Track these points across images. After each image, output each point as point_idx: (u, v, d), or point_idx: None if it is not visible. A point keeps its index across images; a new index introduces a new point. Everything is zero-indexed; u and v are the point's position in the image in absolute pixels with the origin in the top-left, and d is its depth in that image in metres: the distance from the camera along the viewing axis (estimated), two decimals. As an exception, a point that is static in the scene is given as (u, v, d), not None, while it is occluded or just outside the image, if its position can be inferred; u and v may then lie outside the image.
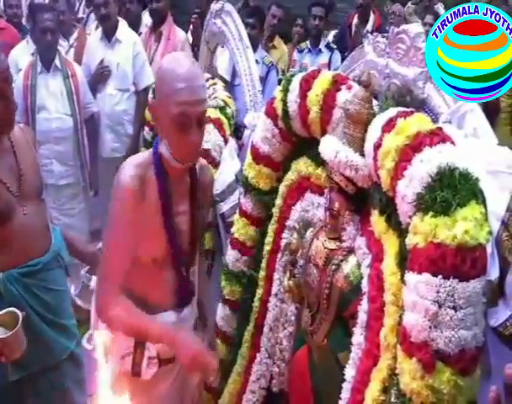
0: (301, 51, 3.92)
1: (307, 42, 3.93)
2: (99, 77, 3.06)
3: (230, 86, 2.76)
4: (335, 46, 3.94)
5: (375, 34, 1.38)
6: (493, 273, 1.04)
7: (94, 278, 1.53)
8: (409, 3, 4.42)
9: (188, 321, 1.38)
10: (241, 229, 1.66)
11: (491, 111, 2.34)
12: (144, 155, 1.32)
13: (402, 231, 1.09)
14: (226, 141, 2.05)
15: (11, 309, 1.32)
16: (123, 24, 3.27)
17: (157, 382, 1.34)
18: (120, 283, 1.26)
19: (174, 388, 1.39)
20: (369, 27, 3.98)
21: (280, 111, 1.50)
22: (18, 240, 1.45)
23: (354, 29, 4.13)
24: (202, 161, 1.42)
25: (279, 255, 1.54)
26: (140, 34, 3.51)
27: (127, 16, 3.52)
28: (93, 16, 4.10)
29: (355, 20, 4.16)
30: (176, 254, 1.30)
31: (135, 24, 3.48)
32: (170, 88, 1.19)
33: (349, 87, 1.31)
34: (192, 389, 1.45)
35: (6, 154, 1.48)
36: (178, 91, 1.18)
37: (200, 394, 1.53)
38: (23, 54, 3.06)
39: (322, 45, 3.86)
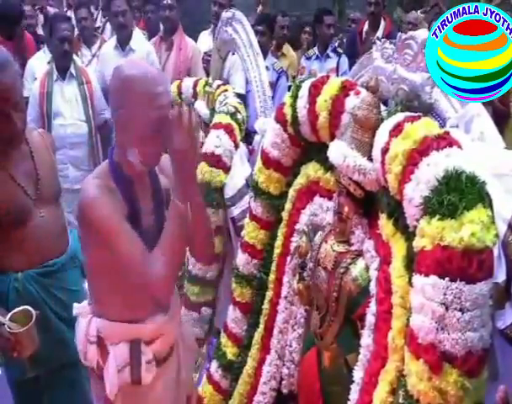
0: (308, 58, 3.98)
1: (315, 49, 3.99)
2: None
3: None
4: (341, 51, 3.98)
5: (382, 40, 1.40)
6: (500, 275, 1.05)
7: None
8: (418, 12, 4.43)
9: (175, 319, 1.42)
10: (251, 232, 1.68)
11: (500, 116, 2.33)
12: (99, 168, 1.35)
13: (409, 234, 1.11)
14: (236, 147, 2.07)
15: (25, 307, 1.37)
16: (137, 34, 3.33)
17: (155, 382, 1.36)
18: (142, 250, 1.24)
19: (170, 385, 1.40)
20: (379, 33, 4.00)
21: (289, 117, 1.52)
22: (35, 241, 1.50)
23: (364, 35, 4.16)
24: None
25: (288, 258, 1.56)
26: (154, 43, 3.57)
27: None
28: (109, 25, 4.17)
29: (366, 27, 4.19)
30: None
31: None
32: (148, 94, 1.21)
33: (358, 93, 1.33)
34: (186, 383, 1.47)
35: (24, 159, 1.53)
36: (157, 95, 1.22)
37: (193, 388, 1.56)
38: (40, 63, 3.14)
39: (329, 51, 3.91)
